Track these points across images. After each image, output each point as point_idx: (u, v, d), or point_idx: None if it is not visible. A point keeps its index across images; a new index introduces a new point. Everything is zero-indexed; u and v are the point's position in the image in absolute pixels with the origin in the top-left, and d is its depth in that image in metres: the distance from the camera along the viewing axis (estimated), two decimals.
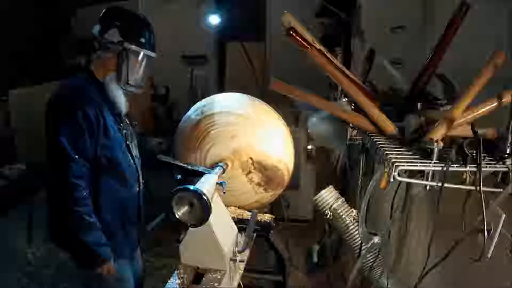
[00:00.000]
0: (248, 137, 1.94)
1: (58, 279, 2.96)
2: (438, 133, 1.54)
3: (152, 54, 1.78)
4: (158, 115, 5.36)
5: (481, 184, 1.38)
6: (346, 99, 2.12)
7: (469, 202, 1.46)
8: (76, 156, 1.60)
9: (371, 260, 1.94)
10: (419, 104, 1.81)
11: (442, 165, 1.44)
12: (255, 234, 1.93)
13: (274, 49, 4.96)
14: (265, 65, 5.16)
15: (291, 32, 1.79)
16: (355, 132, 2.13)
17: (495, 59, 1.59)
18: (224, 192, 1.74)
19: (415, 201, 1.98)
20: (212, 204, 1.45)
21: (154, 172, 2.02)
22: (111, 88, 1.72)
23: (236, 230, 1.82)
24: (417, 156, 1.53)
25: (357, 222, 1.90)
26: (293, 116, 3.39)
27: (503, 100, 1.58)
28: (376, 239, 1.90)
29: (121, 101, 1.75)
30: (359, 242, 1.91)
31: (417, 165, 1.48)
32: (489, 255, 1.36)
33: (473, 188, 1.42)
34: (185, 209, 1.49)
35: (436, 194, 1.46)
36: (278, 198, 2.24)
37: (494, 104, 1.60)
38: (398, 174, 1.46)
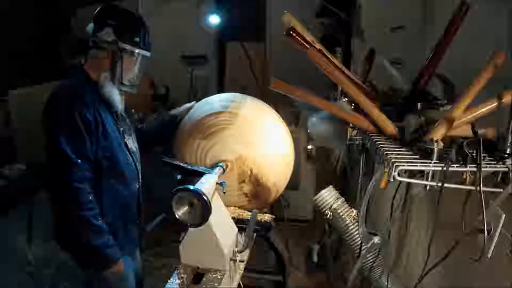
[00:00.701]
0: (259, 154, 1.95)
1: (58, 279, 2.96)
2: (438, 133, 1.54)
3: (147, 53, 1.77)
4: None
5: (481, 184, 1.37)
6: (346, 99, 2.12)
7: (469, 202, 1.46)
8: (79, 160, 1.59)
9: (371, 260, 1.93)
10: (419, 104, 1.81)
11: (442, 165, 1.43)
12: (255, 234, 1.93)
13: (274, 49, 4.95)
14: (265, 65, 5.15)
15: (291, 32, 1.78)
16: (355, 132, 2.12)
17: (495, 59, 1.59)
18: (224, 192, 1.74)
19: (415, 201, 1.98)
20: (212, 204, 1.45)
21: (155, 171, 2.02)
22: (106, 88, 1.71)
23: (236, 230, 1.82)
24: (417, 156, 1.53)
25: (357, 222, 1.90)
26: (293, 116, 3.39)
27: (503, 100, 1.57)
28: (376, 239, 1.89)
29: (117, 100, 1.74)
30: (359, 242, 1.91)
31: (417, 165, 1.47)
32: (489, 255, 1.35)
33: (473, 188, 1.42)
34: (185, 209, 1.49)
35: (436, 194, 1.45)
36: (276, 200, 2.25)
37: (494, 104, 1.60)
38: (398, 174, 1.45)
